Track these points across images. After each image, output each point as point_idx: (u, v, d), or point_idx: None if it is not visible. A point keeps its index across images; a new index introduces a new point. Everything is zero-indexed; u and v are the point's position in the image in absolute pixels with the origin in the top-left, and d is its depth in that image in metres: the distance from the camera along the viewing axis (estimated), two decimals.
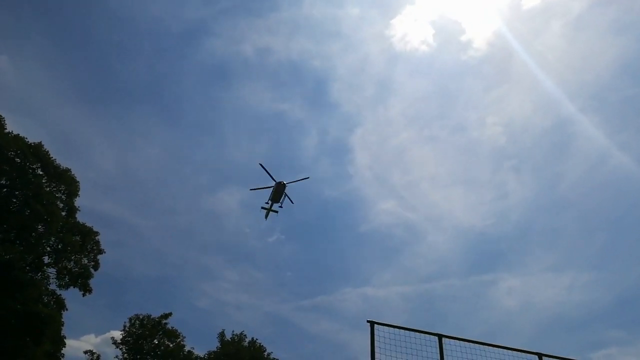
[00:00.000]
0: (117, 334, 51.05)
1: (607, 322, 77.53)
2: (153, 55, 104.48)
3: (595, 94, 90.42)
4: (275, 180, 38.47)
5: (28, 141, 35.00)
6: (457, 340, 12.50)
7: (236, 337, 54.89)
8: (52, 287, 35.20)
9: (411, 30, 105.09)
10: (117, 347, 50.33)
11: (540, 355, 12.97)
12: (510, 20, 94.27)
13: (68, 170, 36.44)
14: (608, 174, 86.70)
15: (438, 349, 12.24)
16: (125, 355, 50.03)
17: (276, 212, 40.54)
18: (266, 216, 40.74)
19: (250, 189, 40.40)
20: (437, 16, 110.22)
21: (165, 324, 52.31)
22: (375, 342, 11.84)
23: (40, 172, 35.30)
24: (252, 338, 55.41)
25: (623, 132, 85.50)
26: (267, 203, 39.97)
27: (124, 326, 51.26)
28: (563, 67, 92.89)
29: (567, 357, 13.26)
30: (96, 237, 37.18)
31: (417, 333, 12.28)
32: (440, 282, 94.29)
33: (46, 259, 35.25)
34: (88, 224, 37.38)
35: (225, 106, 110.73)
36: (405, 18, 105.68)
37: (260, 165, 37.89)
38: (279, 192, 38.72)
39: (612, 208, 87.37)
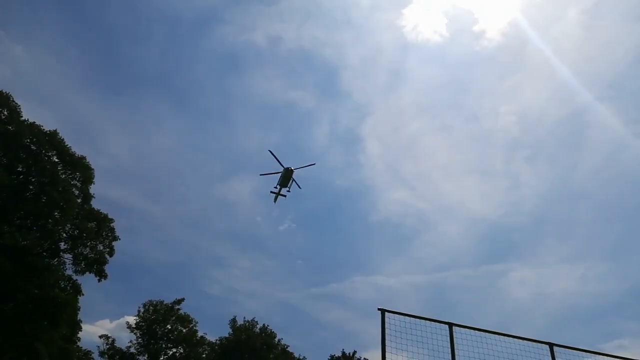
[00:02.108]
0: (132, 319, 52.10)
1: (621, 313, 77.10)
2: (165, 43, 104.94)
3: (612, 82, 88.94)
4: (283, 166, 39.93)
5: (44, 129, 35.42)
6: (468, 329, 12.53)
7: (247, 324, 55.61)
8: (69, 272, 35.91)
9: (423, 20, 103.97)
10: (131, 331, 51.40)
11: (551, 345, 12.94)
12: (524, 8, 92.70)
13: (83, 157, 36.83)
14: (624, 164, 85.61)
15: (449, 338, 12.29)
16: (140, 339, 51.00)
17: (284, 196, 42.39)
18: (275, 200, 42.70)
19: (260, 174, 41.91)
20: (449, 6, 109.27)
21: (178, 309, 53.20)
22: (386, 330, 11.91)
23: (56, 160, 35.71)
24: (263, 325, 56.19)
25: (638, 122, 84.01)
26: (275, 187, 41.60)
27: (138, 311, 52.30)
28: (579, 56, 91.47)
29: (579, 348, 13.22)
30: (111, 224, 37.66)
31: (428, 321, 12.32)
32: (451, 271, 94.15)
33: (62, 245, 35.86)
34: (103, 211, 37.92)
35: (236, 94, 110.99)
36: (417, 7, 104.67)
37: (270, 151, 39.58)
38: (286, 177, 40.43)
39: (628, 198, 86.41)
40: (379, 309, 12.19)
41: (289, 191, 41.56)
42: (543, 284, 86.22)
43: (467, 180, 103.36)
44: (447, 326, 12.46)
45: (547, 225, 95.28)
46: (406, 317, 12.18)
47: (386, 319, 12.02)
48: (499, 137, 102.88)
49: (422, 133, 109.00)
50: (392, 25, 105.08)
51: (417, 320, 12.25)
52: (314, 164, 42.07)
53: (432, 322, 12.31)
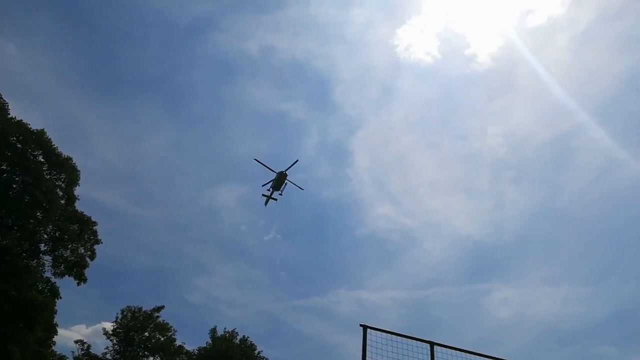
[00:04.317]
0: (109, 325, 51.21)
1: (599, 337, 77.67)
2: (160, 47, 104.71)
3: (599, 108, 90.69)
4: (275, 171, 40.43)
5: (31, 128, 35.04)
6: (449, 349, 12.60)
7: (228, 334, 55.00)
8: (47, 274, 35.28)
9: (416, 40, 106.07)
10: (107, 338, 50.48)
11: None
12: (515, 33, 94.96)
13: (69, 158, 36.45)
14: (608, 188, 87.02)
15: (430, 357, 12.34)
16: (116, 346, 50.12)
17: (275, 199, 42.90)
18: (266, 203, 43.18)
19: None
20: (442, 28, 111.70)
21: (157, 317, 52.46)
22: (367, 346, 11.93)
23: (42, 160, 35.32)
24: (244, 336, 55.60)
25: (625, 147, 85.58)
26: (268, 190, 42.01)
27: (116, 318, 51.46)
28: (567, 81, 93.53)
29: None
30: (94, 227, 37.22)
31: (410, 340, 12.37)
32: (434, 289, 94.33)
33: (43, 247, 35.26)
34: (86, 214, 37.48)
35: (228, 102, 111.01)
36: (410, 28, 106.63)
37: (256, 160, 40.12)
38: (280, 181, 40.86)
39: (611, 223, 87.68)
40: (361, 325, 12.22)
41: (280, 194, 42.16)
42: (525, 304, 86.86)
43: (453, 198, 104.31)
44: (428, 345, 12.53)
45: (530, 246, 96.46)
46: (388, 334, 12.24)
47: (368, 335, 12.06)
48: (486, 157, 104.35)
49: (410, 149, 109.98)
50: (386, 44, 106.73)
51: (399, 337, 12.31)
52: (297, 161, 41.92)
53: (414, 341, 12.37)
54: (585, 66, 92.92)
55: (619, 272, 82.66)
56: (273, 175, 40.97)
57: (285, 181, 41.02)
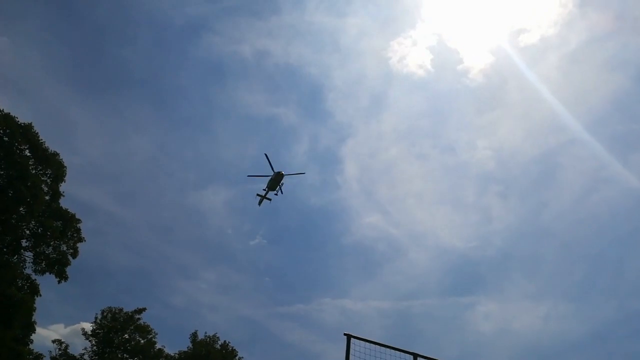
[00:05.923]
0: (88, 326, 50.29)
1: (578, 355, 78.36)
2: (152, 46, 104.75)
3: (586, 127, 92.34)
4: (274, 171, 40.61)
5: (18, 121, 34.54)
6: None
7: (208, 339, 54.45)
8: (28, 271, 34.63)
9: (410, 53, 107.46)
10: (86, 338, 49.56)
11: None
12: (508, 50, 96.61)
13: (56, 154, 35.98)
14: (592, 208, 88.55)
15: None
16: (95, 347, 49.24)
17: (269, 199, 43.04)
18: (259, 202, 42.94)
19: (249, 175, 42.73)
20: (436, 43, 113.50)
21: (138, 319, 51.63)
22: (350, 356, 11.86)
23: (28, 154, 34.84)
24: (225, 341, 55.05)
25: (609, 166, 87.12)
26: (263, 190, 42.16)
27: (96, 318, 50.48)
28: (556, 99, 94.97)
29: None
30: (78, 225, 36.67)
31: (393, 350, 12.31)
32: (418, 300, 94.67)
33: (24, 242, 34.66)
34: (71, 211, 36.93)
35: (219, 104, 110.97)
36: (405, 41, 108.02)
37: (266, 155, 40.64)
38: (276, 180, 40.97)
39: (594, 242, 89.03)
40: (344, 334, 12.15)
41: (276, 194, 42.31)
42: (507, 319, 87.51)
43: (439, 210, 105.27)
44: (411, 357, 12.48)
45: (514, 261, 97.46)
46: (371, 344, 12.17)
47: (351, 345, 11.99)
48: (473, 170, 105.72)
49: (399, 159, 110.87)
50: (379, 56, 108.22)
51: (382, 348, 12.24)
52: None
53: (397, 351, 12.31)
54: (574, 85, 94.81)
55: (600, 291, 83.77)
56: (267, 179, 41.39)
57: (282, 181, 41.30)
